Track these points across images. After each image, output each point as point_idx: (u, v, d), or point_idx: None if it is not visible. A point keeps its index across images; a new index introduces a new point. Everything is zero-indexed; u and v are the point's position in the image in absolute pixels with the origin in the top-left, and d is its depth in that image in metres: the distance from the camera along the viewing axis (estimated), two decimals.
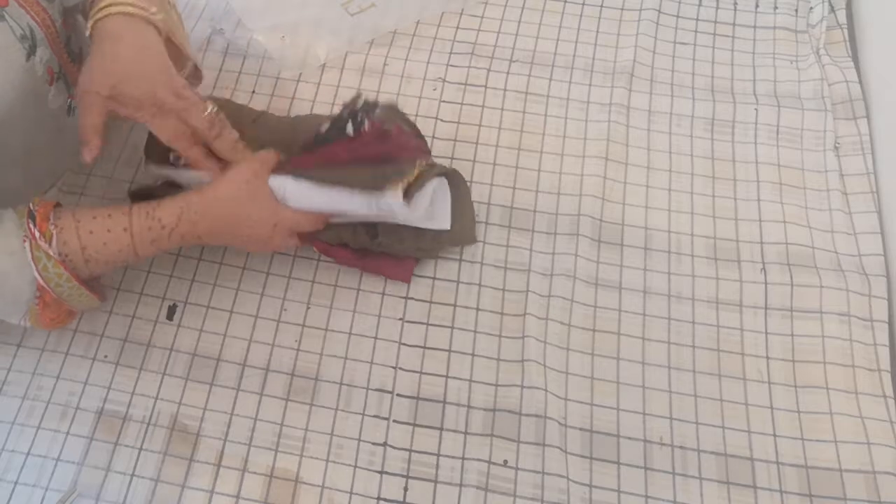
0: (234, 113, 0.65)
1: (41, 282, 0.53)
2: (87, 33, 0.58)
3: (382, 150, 0.63)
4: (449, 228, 0.67)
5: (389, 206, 0.60)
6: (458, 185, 0.69)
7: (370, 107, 0.63)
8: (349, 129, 0.63)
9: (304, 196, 0.61)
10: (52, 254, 0.52)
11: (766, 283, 0.68)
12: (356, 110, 0.63)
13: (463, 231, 0.69)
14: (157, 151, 0.64)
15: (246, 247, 0.64)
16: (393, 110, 0.65)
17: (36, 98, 0.59)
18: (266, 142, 0.64)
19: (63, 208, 0.56)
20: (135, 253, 0.57)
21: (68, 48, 0.62)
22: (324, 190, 0.61)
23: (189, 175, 0.63)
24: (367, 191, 0.61)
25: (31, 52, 0.56)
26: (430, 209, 0.65)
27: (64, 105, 0.63)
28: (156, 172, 0.65)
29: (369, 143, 0.63)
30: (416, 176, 0.62)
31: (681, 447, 0.61)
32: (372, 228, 0.65)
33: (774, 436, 0.61)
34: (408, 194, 0.61)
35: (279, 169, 0.62)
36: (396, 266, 0.68)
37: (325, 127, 0.64)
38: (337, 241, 0.66)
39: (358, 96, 0.64)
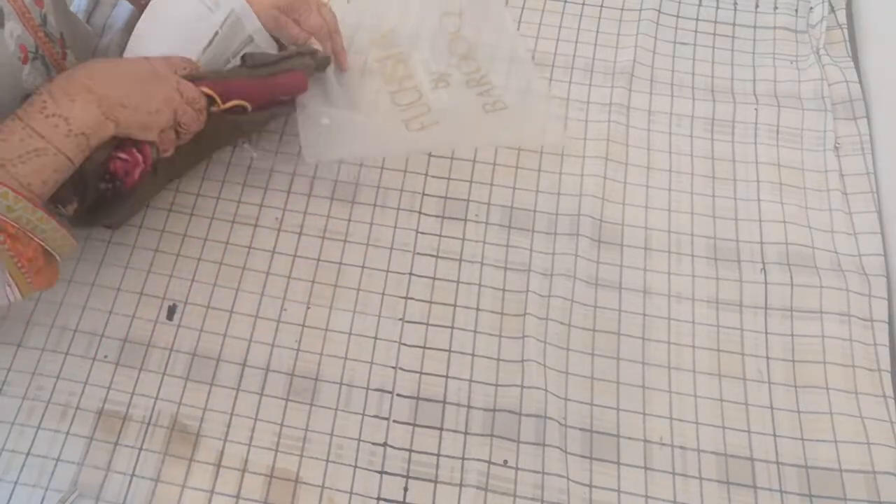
0: None
1: None
2: None
3: None
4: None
5: None
6: None
7: None
8: None
9: (152, 42, 0.63)
10: None
11: (766, 283, 0.68)
12: None
13: None
14: None
15: (151, 88, 0.59)
16: None
17: (8, 73, 0.57)
18: None
19: None
20: (37, 133, 0.52)
21: (45, 29, 0.62)
22: (150, 19, 0.63)
23: None
24: None
25: (0, 23, 0.55)
26: None
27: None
28: None
29: None
30: None
31: (681, 447, 0.61)
32: (242, 60, 0.68)
33: (774, 436, 0.61)
34: None
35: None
36: (286, 76, 0.69)
37: None
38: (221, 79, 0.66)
39: None
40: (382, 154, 0.75)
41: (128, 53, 0.64)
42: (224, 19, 0.66)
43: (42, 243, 0.53)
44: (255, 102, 0.68)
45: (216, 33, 0.66)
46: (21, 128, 0.52)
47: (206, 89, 0.64)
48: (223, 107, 0.66)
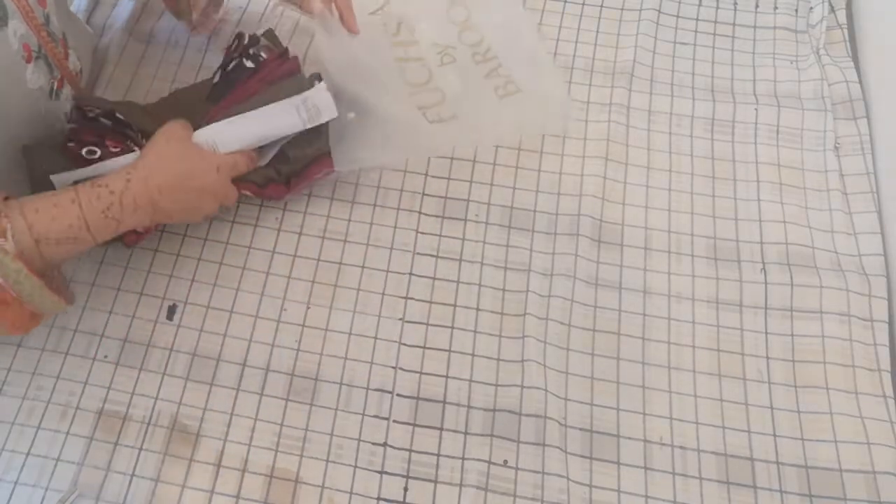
0: (131, 111, 0.67)
1: None
2: None
3: (286, 67, 0.68)
4: (336, 115, 0.67)
5: (316, 102, 0.65)
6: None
7: (256, 38, 0.69)
8: (248, 63, 0.68)
9: (235, 134, 0.64)
10: (7, 249, 0.50)
11: (766, 283, 0.68)
12: (246, 45, 0.69)
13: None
14: (67, 157, 0.63)
15: (199, 205, 0.63)
16: (271, 35, 0.71)
17: (10, 73, 0.58)
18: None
19: (11, 199, 0.54)
20: (87, 227, 0.55)
21: (48, 28, 0.62)
22: (250, 118, 0.64)
23: (109, 165, 0.62)
24: (292, 96, 0.64)
25: (3, 22, 0.55)
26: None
27: (46, 87, 0.63)
28: (69, 179, 0.61)
29: (273, 67, 0.68)
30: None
31: (681, 447, 0.61)
32: (282, 155, 0.67)
33: (774, 436, 0.62)
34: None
35: (197, 127, 0.64)
36: (317, 166, 0.69)
37: (218, 75, 0.70)
38: (264, 181, 0.67)
39: (241, 34, 0.70)
40: (409, 155, 0.74)
41: (213, 135, 0.63)
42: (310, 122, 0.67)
43: (33, 309, 0.55)
44: (288, 195, 0.70)
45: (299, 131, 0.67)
46: (76, 217, 0.55)
47: (248, 193, 0.67)
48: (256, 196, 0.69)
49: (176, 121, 0.63)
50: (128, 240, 0.64)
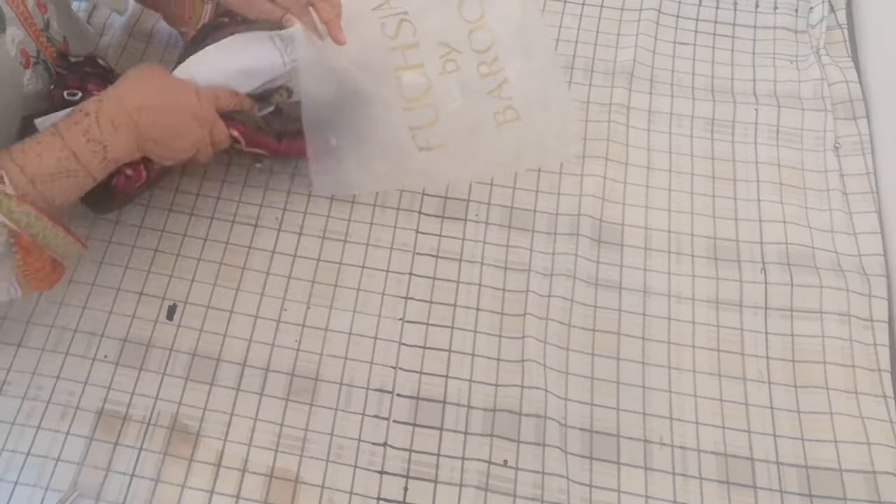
0: None
1: (10, 224, 0.50)
2: None
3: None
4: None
5: (291, 34, 0.65)
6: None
7: None
8: (224, 19, 0.70)
9: (210, 64, 0.64)
10: (9, 192, 0.50)
11: (766, 283, 0.68)
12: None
13: None
14: (52, 103, 0.62)
15: (185, 131, 0.61)
16: None
17: (9, 78, 0.58)
18: None
19: None
20: (75, 156, 0.54)
21: (47, 33, 0.62)
22: (224, 45, 0.64)
23: None
24: (266, 29, 0.65)
25: (1, 28, 0.55)
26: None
27: (43, 91, 0.63)
28: (51, 122, 0.60)
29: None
30: None
31: (681, 447, 0.61)
32: (278, 111, 0.68)
33: (774, 436, 0.62)
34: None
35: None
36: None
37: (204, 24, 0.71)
38: (253, 125, 0.67)
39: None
40: (395, 186, 0.73)
41: (189, 67, 0.63)
42: (290, 66, 0.66)
43: (52, 254, 0.55)
44: (275, 155, 0.70)
45: (277, 75, 0.67)
46: (60, 147, 0.54)
47: (235, 133, 0.66)
48: (245, 150, 0.67)
49: (150, 63, 0.62)
50: (118, 182, 0.62)
